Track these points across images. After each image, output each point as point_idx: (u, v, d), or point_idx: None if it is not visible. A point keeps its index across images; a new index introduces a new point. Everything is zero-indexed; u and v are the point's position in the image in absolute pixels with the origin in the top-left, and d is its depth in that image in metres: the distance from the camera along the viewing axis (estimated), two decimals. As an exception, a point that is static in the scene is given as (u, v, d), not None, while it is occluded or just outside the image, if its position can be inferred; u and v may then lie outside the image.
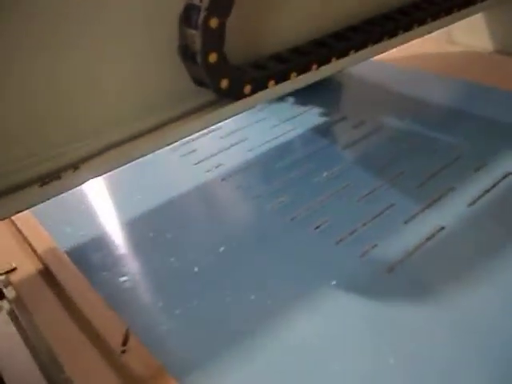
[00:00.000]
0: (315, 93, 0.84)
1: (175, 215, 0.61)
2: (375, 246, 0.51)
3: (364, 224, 0.54)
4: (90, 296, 0.50)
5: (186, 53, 0.47)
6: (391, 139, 0.70)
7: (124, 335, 0.44)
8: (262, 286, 0.49)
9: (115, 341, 0.44)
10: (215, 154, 0.72)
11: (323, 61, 0.55)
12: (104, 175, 0.44)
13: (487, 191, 0.56)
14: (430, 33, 0.67)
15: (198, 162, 0.71)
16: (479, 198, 0.56)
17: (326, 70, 0.56)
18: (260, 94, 0.51)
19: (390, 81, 0.87)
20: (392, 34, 0.62)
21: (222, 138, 0.76)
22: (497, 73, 0.84)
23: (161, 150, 0.43)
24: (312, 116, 0.78)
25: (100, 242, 0.57)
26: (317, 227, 0.55)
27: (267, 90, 0.51)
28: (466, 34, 0.98)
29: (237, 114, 0.51)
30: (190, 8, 0.44)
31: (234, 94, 0.49)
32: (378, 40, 0.60)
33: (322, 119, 0.77)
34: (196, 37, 0.44)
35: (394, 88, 0.84)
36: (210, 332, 0.45)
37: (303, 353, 0.41)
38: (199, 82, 0.49)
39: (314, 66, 0.54)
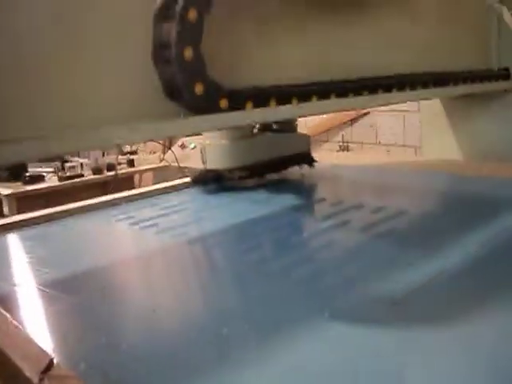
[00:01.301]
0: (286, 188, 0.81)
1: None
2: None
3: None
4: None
5: (160, 52, 0.43)
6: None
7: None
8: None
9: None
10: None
11: (303, 98, 0.52)
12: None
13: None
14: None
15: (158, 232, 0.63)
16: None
17: (305, 108, 0.52)
18: (236, 114, 0.46)
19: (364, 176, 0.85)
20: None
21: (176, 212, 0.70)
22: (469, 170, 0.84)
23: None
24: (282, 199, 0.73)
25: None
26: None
27: (244, 111, 0.47)
28: (434, 149, 1.00)
29: (208, 130, 0.46)
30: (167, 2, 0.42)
31: (208, 105, 0.44)
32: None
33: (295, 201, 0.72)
34: (172, 28, 0.41)
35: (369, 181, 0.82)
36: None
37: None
38: (171, 91, 0.44)
39: (295, 101, 0.51)
